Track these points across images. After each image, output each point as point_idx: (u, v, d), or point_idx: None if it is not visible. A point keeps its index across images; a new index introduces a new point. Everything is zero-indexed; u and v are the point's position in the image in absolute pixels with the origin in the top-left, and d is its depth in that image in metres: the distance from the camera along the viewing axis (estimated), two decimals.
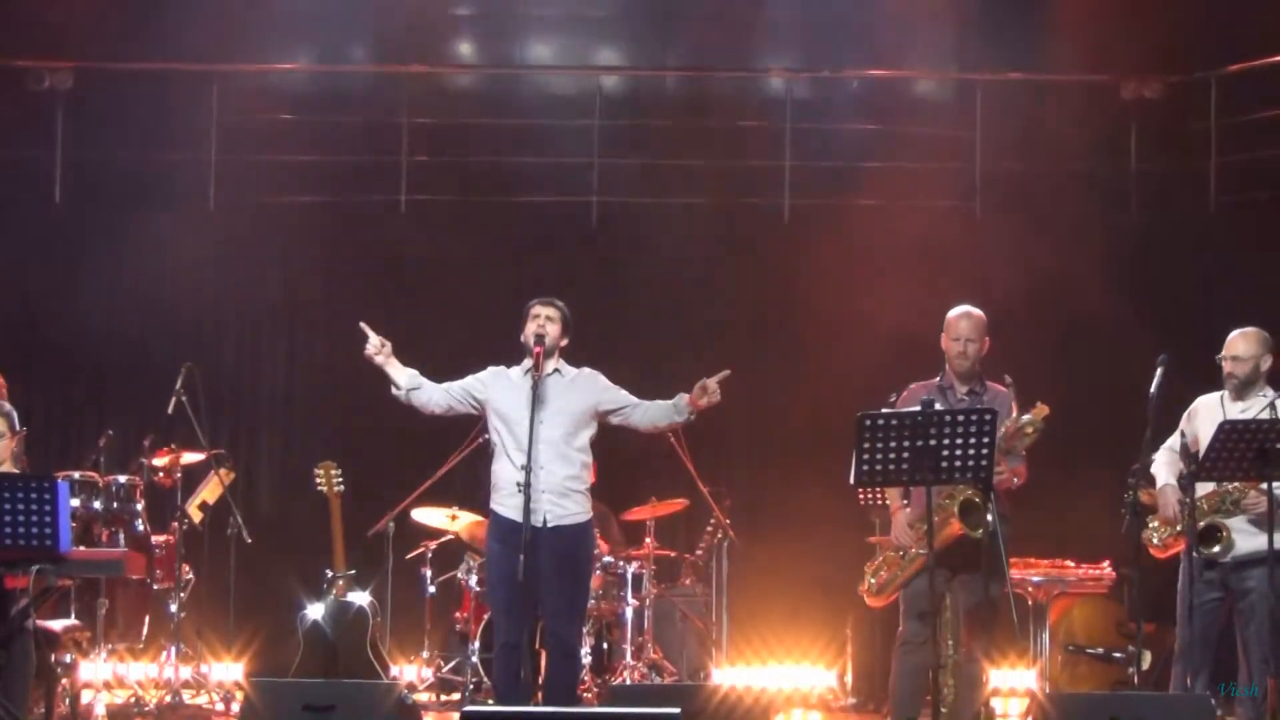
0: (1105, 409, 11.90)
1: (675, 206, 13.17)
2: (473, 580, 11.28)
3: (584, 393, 8.51)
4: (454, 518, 11.51)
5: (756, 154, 13.51)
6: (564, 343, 8.54)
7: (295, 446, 13.15)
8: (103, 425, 12.12)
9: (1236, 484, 8.33)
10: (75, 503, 10.31)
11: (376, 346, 8.48)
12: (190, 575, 11.24)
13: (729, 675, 11.69)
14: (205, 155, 13.23)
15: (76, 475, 10.60)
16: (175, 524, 10.98)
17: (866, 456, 7.51)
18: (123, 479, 10.82)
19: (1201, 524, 8.48)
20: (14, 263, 13.11)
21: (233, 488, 11.25)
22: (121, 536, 10.67)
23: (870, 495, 11.37)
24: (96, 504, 10.55)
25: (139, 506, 10.86)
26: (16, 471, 8.43)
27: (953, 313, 8.83)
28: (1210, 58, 13.13)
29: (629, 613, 11.24)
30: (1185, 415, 8.73)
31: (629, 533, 11.92)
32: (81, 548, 9.42)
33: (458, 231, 13.18)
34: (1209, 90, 13.08)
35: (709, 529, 11.73)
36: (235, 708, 10.47)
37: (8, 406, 8.67)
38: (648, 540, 11.53)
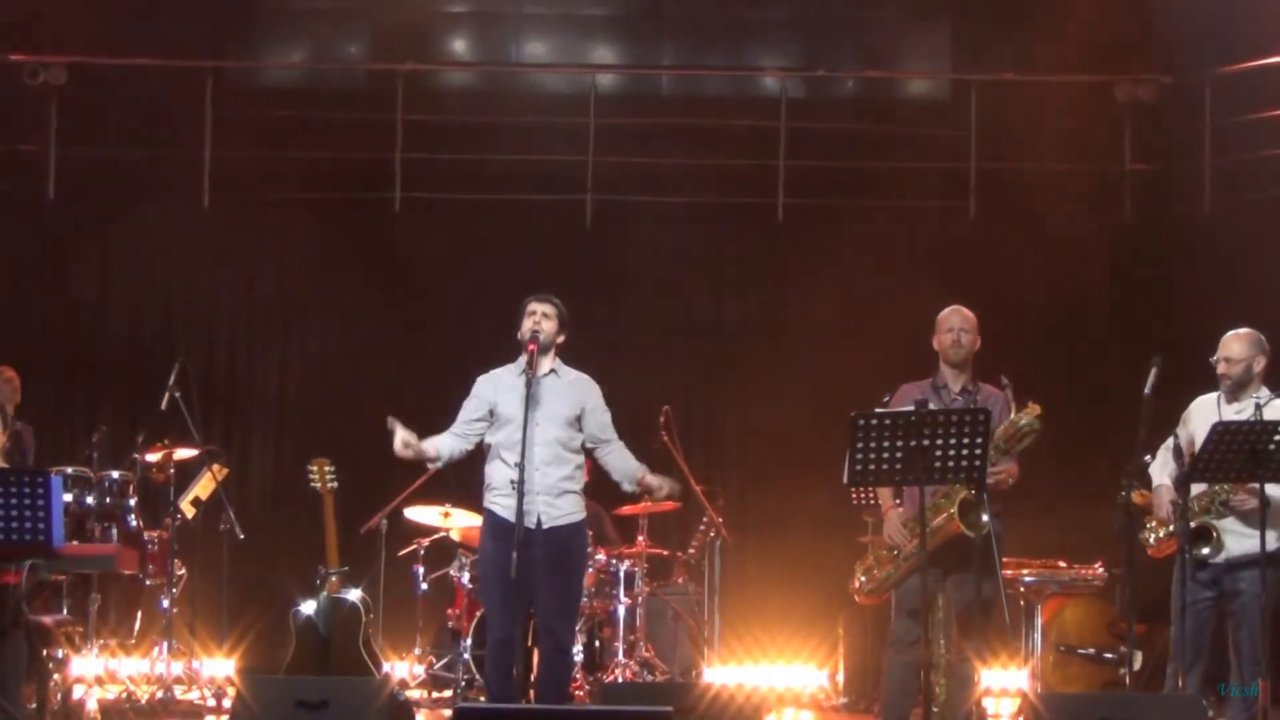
0: (1098, 409, 11.92)
1: (669, 205, 13.17)
2: (465, 577, 11.28)
3: (579, 395, 8.51)
4: (446, 515, 11.50)
5: (751, 153, 13.51)
6: (560, 340, 8.53)
7: (288, 443, 13.15)
8: (96, 421, 12.13)
9: (1226, 484, 8.34)
10: (68, 498, 10.28)
11: (404, 441, 8.35)
12: (183, 571, 11.23)
13: (721, 674, 11.68)
14: (199, 151, 13.21)
15: (70, 470, 10.57)
16: (168, 520, 10.97)
17: (860, 456, 7.51)
18: (116, 474, 10.79)
19: (1193, 525, 8.49)
20: (7, 257, 13.12)
21: (225, 484, 11.23)
22: (114, 532, 10.63)
23: (863, 495, 11.38)
24: (89, 499, 10.52)
25: (132, 502, 10.83)
26: (7, 467, 8.42)
27: (943, 312, 8.86)
28: (1205, 59, 13.14)
29: (621, 611, 11.23)
30: (1182, 417, 8.73)
31: (622, 529, 11.92)
32: (74, 543, 9.42)
33: (451, 229, 13.19)
34: (1203, 92, 13.08)
35: (701, 528, 11.72)
36: (227, 704, 10.47)
37: None
38: (640, 538, 11.52)
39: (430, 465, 8.56)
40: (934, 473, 7.55)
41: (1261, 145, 12.69)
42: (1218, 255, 12.66)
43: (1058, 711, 7.28)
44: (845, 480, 7.79)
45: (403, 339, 13.06)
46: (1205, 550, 8.40)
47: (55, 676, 9.12)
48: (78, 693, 9.93)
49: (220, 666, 11.43)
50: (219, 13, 13.77)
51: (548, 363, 8.47)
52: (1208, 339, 8.74)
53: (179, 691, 10.84)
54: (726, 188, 13.33)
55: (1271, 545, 8.44)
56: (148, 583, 11.08)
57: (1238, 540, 8.46)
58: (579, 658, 10.82)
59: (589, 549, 9.74)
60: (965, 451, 7.48)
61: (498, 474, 8.39)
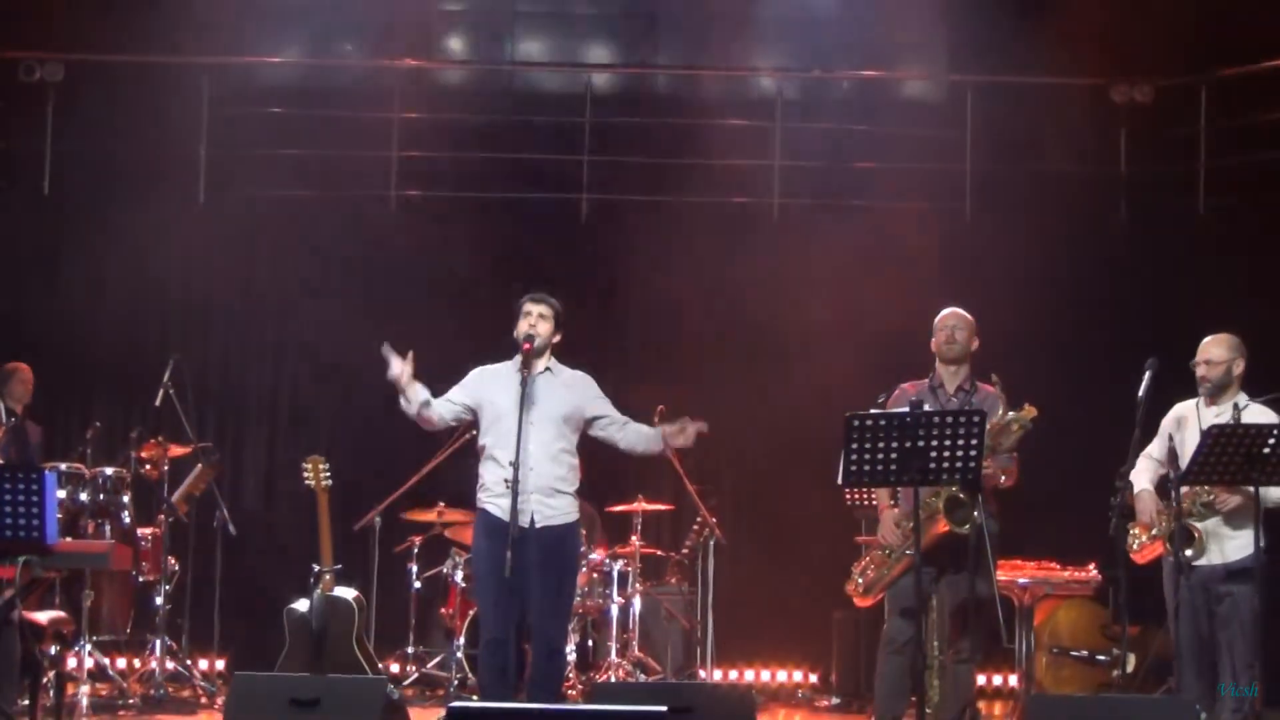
0: (1093, 411, 11.91)
1: (664, 204, 13.16)
2: (459, 576, 11.28)
3: (574, 394, 8.52)
4: (440, 514, 11.51)
5: (746, 153, 13.51)
6: (556, 340, 8.54)
7: (282, 440, 13.14)
8: (90, 417, 12.12)
9: (1207, 486, 8.38)
10: (62, 494, 10.31)
11: (401, 369, 8.38)
12: (176, 568, 11.23)
13: (713, 674, 11.69)
14: (195, 148, 13.21)
15: (63, 467, 10.59)
16: (161, 516, 10.97)
17: (855, 457, 7.52)
18: (109, 471, 10.81)
19: (1170, 526, 8.53)
20: (2, 253, 13.10)
21: (219, 481, 11.24)
22: (108, 528, 10.65)
23: (857, 495, 11.39)
24: (83, 496, 10.53)
25: (126, 499, 10.85)
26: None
27: (942, 312, 8.88)
28: (1201, 62, 13.15)
29: (614, 610, 11.24)
30: (1162, 424, 8.72)
31: (616, 528, 11.92)
32: (68, 539, 9.41)
33: (447, 227, 13.17)
34: (1199, 94, 13.09)
35: (695, 528, 11.73)
36: (220, 701, 10.47)
37: None
38: (634, 538, 11.53)
39: (404, 406, 8.49)
40: (928, 474, 7.56)
41: (1256, 148, 12.69)
42: (1212, 258, 12.67)
43: (1050, 713, 7.29)
44: (840, 480, 7.80)
45: (397, 337, 13.02)
46: (1188, 552, 8.42)
47: (48, 673, 9.11)
48: (70, 690, 9.92)
49: (213, 664, 11.43)
50: (216, 10, 13.75)
51: (543, 362, 8.47)
52: (1202, 341, 8.76)
53: (171, 689, 10.84)
54: (721, 188, 13.32)
55: (1251, 548, 8.49)
56: (141, 579, 11.09)
57: (1222, 543, 8.50)
58: (572, 657, 10.84)
59: (582, 548, 9.74)
60: (960, 453, 7.49)
61: (492, 473, 8.39)
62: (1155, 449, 8.75)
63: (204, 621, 11.42)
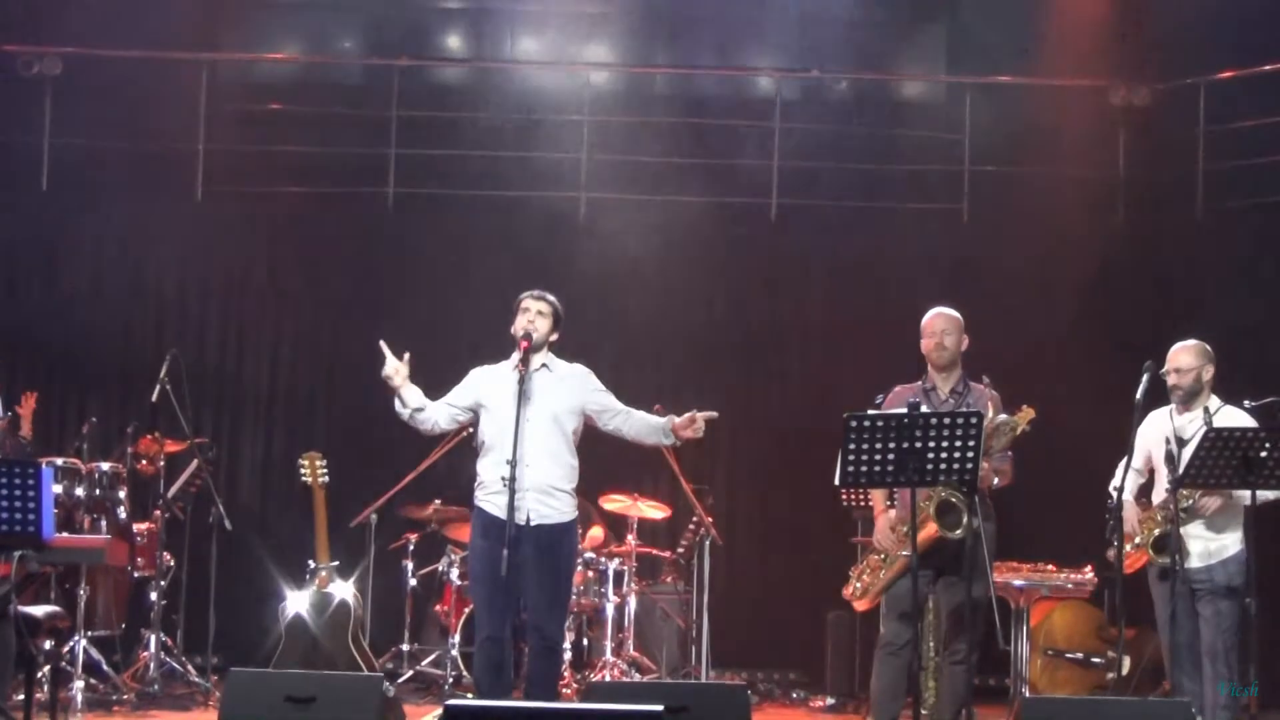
0: (1090, 414, 11.91)
1: (663, 204, 13.16)
2: (454, 573, 11.28)
3: (573, 391, 8.50)
4: (436, 511, 11.51)
5: (745, 153, 13.51)
6: (554, 337, 8.53)
7: (279, 436, 13.13)
8: (86, 412, 12.12)
9: (1187, 490, 8.40)
10: (58, 490, 10.30)
11: (395, 368, 8.37)
12: (171, 564, 11.23)
13: (709, 673, 11.68)
14: (193, 144, 13.20)
15: (59, 462, 10.58)
16: (157, 512, 10.97)
17: (852, 457, 7.52)
18: (106, 466, 10.80)
19: (1156, 532, 8.55)
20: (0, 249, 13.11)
21: (215, 477, 11.24)
22: (104, 524, 10.64)
23: (853, 497, 11.38)
24: (79, 491, 10.53)
25: (121, 494, 10.84)
26: None
27: (928, 315, 8.88)
28: (1199, 65, 13.15)
29: (610, 609, 11.24)
30: (1140, 432, 8.68)
31: (612, 527, 11.92)
32: (64, 535, 9.40)
33: (445, 225, 13.19)
34: (1197, 97, 13.09)
35: (691, 527, 11.73)
36: (215, 698, 10.46)
37: None
38: (630, 537, 11.53)
39: (398, 409, 8.48)
40: (926, 475, 7.57)
41: (1254, 151, 12.69)
42: (1210, 261, 12.68)
43: (1045, 715, 7.28)
44: (837, 481, 7.81)
45: (395, 334, 13.01)
46: (1172, 559, 8.43)
47: (43, 668, 9.10)
48: (65, 685, 9.91)
49: (208, 660, 11.41)
50: (214, 6, 13.75)
51: (540, 359, 8.46)
52: (1171, 350, 8.78)
53: (166, 684, 10.83)
54: (720, 187, 13.32)
55: (1233, 549, 8.52)
56: (136, 575, 11.09)
57: (1204, 545, 8.53)
58: (568, 656, 10.84)
59: (579, 547, 9.73)
60: (957, 454, 7.50)
61: (489, 471, 8.38)
62: (1132, 458, 8.76)
63: (199, 617, 11.40)
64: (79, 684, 10.13)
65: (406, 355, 8.39)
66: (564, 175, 13.39)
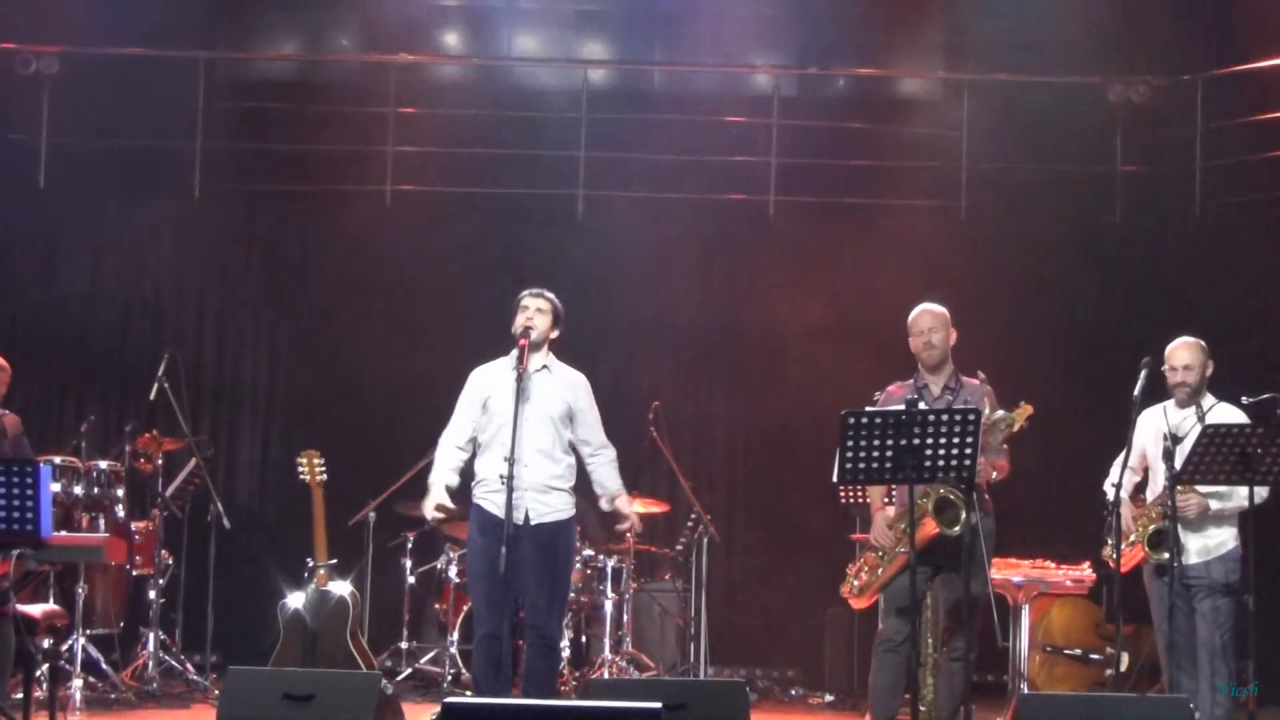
0: (1088, 410, 11.94)
1: (661, 201, 13.15)
2: (453, 571, 11.28)
3: (570, 394, 8.51)
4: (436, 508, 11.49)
5: (742, 150, 13.51)
6: (554, 335, 8.53)
7: (277, 434, 13.13)
8: (84, 411, 12.12)
9: (1179, 488, 8.40)
10: (56, 488, 10.30)
11: (438, 507, 8.53)
12: (170, 562, 11.23)
13: (707, 671, 11.68)
14: (190, 142, 13.19)
15: (58, 460, 10.58)
16: (155, 510, 10.97)
17: (850, 455, 7.52)
18: (104, 465, 10.80)
19: (1152, 528, 8.56)
20: None
21: (213, 475, 11.23)
22: (102, 522, 10.64)
23: (850, 494, 11.38)
24: (77, 489, 10.52)
25: (120, 492, 10.84)
26: None
27: (913, 312, 8.87)
28: (1197, 61, 13.15)
29: (608, 607, 11.24)
30: (1137, 427, 8.68)
31: (609, 524, 11.92)
32: (62, 533, 9.40)
33: (442, 222, 13.17)
34: (1195, 94, 13.09)
35: (689, 524, 11.73)
36: (213, 696, 10.46)
37: None
38: (628, 535, 11.53)
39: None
40: (924, 472, 7.57)
41: (1253, 148, 12.69)
42: (1208, 257, 12.68)
43: (1043, 712, 7.28)
44: (835, 478, 7.82)
45: (393, 332, 13.04)
46: (1166, 555, 8.43)
47: (42, 667, 9.10)
48: (64, 683, 9.91)
49: (207, 658, 11.41)
50: (211, 3, 13.75)
51: (540, 358, 8.47)
52: (1171, 348, 8.78)
53: (165, 682, 10.83)
54: (718, 184, 13.31)
55: (1230, 545, 8.53)
56: (135, 573, 11.08)
57: (1200, 541, 8.55)
58: (566, 653, 10.84)
59: (576, 545, 9.73)
60: (955, 451, 7.51)
61: (487, 469, 8.39)
62: (1125, 456, 8.75)
63: (197, 616, 11.40)
64: (77, 682, 10.14)
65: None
66: (562, 172, 13.37)
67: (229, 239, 13.24)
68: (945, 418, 7.54)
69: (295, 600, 10.30)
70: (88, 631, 10.49)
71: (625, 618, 11.36)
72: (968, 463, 7.54)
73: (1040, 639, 11.38)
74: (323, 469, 10.39)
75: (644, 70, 14.71)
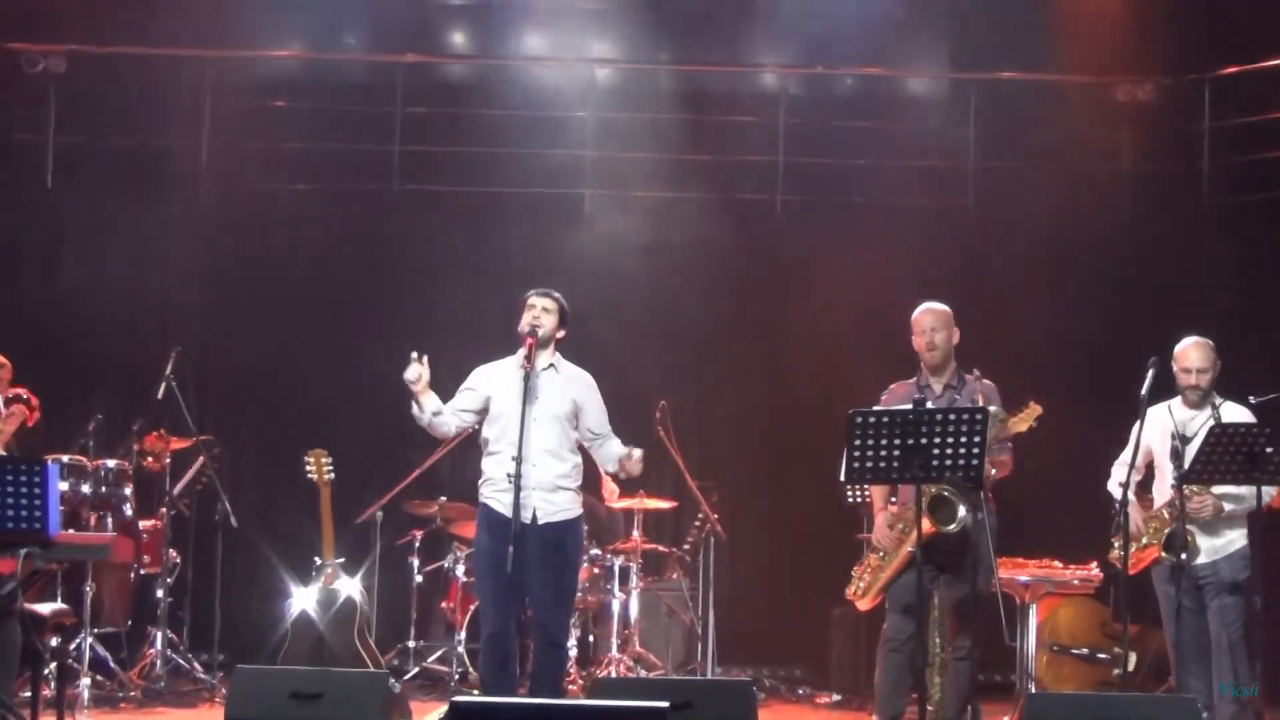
0: (1095, 409, 11.91)
1: (667, 200, 13.15)
2: (460, 570, 11.29)
3: (577, 392, 8.52)
4: (441, 508, 11.51)
5: (750, 149, 13.51)
6: (560, 334, 8.54)
7: (284, 433, 13.11)
8: (91, 409, 12.11)
9: (1193, 489, 8.39)
10: (64, 486, 10.27)
11: (418, 373, 8.32)
12: (177, 561, 11.24)
13: (714, 669, 11.68)
14: (197, 141, 13.20)
15: (65, 459, 10.57)
16: (163, 509, 10.97)
17: (858, 454, 7.52)
18: (111, 463, 10.79)
19: (1166, 531, 8.55)
20: (4, 245, 13.12)
21: (220, 474, 11.24)
22: (109, 521, 10.64)
23: (857, 493, 11.37)
24: (85, 488, 10.51)
25: (127, 491, 10.84)
26: (4, 454, 8.41)
27: (915, 312, 8.88)
28: (1204, 60, 13.14)
29: (615, 606, 11.25)
30: (1144, 426, 8.65)
31: (615, 524, 11.92)
32: (70, 531, 9.40)
33: (449, 221, 13.18)
34: (1203, 92, 13.08)
35: (696, 524, 11.74)
36: (221, 695, 10.47)
37: None
38: (635, 534, 11.53)
39: (416, 414, 8.44)
40: (931, 470, 7.56)
41: (1260, 147, 12.68)
42: (1215, 256, 12.67)
43: (1050, 711, 7.28)
44: (842, 478, 7.82)
45: (400, 331, 13.03)
46: (1183, 555, 8.43)
47: (49, 665, 9.10)
48: (71, 682, 9.92)
49: (214, 656, 11.43)
50: (218, 2, 13.75)
51: (546, 357, 8.48)
52: (1181, 348, 8.77)
53: (172, 681, 10.84)
54: (725, 183, 13.31)
55: (1239, 544, 8.52)
56: (142, 572, 11.09)
57: (1210, 540, 8.55)
58: (573, 652, 10.84)
59: (583, 544, 9.74)
60: (963, 449, 7.50)
61: (494, 468, 8.40)
62: (1128, 456, 8.73)
63: (205, 614, 11.41)
64: (85, 681, 10.15)
65: (425, 359, 8.35)
66: (569, 171, 13.38)
67: (236, 238, 13.23)
68: (953, 417, 7.53)
69: (303, 599, 10.31)
70: (95, 630, 10.50)
71: (632, 617, 11.37)
72: (975, 462, 7.53)
73: (1047, 638, 11.37)
74: (330, 468, 10.41)
75: (651, 69, 14.70)
